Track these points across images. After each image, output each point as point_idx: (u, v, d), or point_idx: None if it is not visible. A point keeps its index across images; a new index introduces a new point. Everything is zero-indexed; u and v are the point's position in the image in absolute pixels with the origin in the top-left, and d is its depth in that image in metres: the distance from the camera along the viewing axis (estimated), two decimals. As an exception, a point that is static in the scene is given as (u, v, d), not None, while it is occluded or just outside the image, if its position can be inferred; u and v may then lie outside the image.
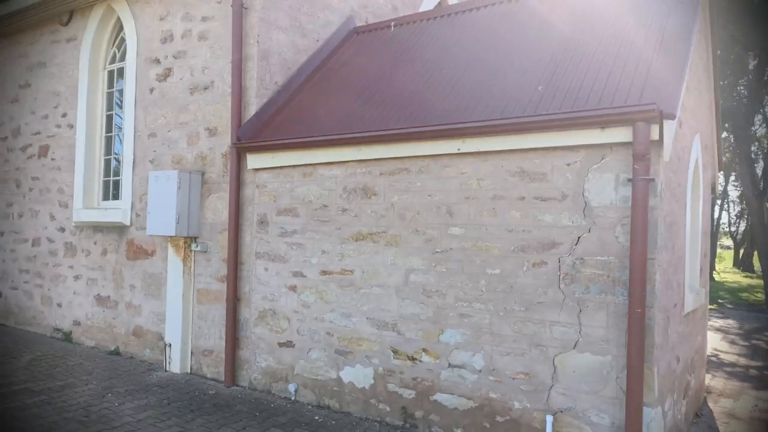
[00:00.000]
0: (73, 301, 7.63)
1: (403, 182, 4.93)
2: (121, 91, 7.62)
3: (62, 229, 7.83)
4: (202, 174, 6.33)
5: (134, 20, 7.11)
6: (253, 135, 5.84)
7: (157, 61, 6.84)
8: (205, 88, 6.38)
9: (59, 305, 7.80)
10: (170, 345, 6.33)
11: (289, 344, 5.59)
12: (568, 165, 4.16)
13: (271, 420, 4.94)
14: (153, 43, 6.90)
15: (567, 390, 4.13)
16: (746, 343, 9.82)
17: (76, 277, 7.59)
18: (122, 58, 7.64)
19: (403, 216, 4.92)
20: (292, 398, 5.51)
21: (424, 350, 4.79)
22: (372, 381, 5.06)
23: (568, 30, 5.06)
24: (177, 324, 6.29)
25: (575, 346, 4.11)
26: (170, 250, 6.40)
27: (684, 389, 4.94)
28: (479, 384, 4.51)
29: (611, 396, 3.97)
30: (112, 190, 7.60)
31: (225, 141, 6.18)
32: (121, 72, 7.63)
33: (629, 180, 3.84)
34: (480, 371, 4.51)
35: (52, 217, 7.99)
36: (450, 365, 4.65)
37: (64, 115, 7.93)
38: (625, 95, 4.00)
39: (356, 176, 5.20)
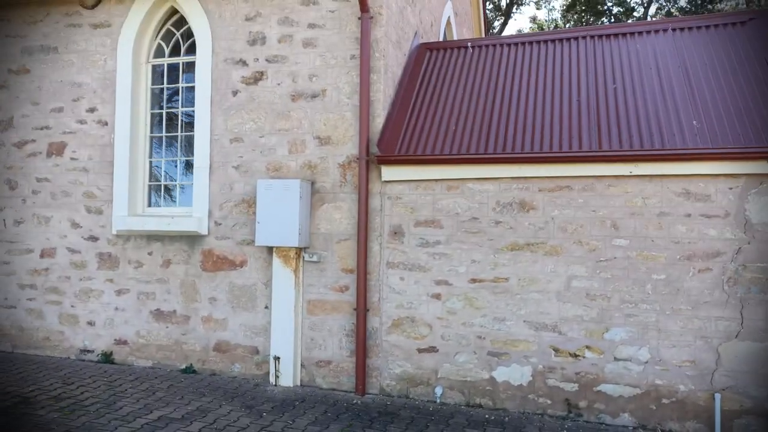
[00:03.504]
0: (114, 318, 6.86)
1: (563, 198, 5.52)
2: (169, 89, 7.05)
3: (93, 238, 6.98)
4: (312, 183, 6.24)
5: (207, 16, 6.67)
6: (388, 148, 5.97)
7: (243, 62, 6.53)
8: (314, 96, 6.29)
9: (91, 323, 6.95)
10: (279, 358, 6.14)
11: (431, 350, 5.84)
12: (731, 189, 5.13)
13: (452, 421, 5.21)
14: (236, 43, 6.56)
15: (729, 372, 5.09)
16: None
17: (120, 292, 6.85)
18: (174, 53, 7.08)
19: (564, 229, 5.52)
20: (438, 400, 5.78)
21: (587, 347, 5.44)
22: (530, 378, 5.57)
23: (687, 70, 6.05)
24: (287, 337, 6.13)
25: (737, 335, 5.08)
26: (276, 260, 6.19)
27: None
28: (645, 373, 5.29)
29: (769, 374, 5.01)
30: (171, 196, 7.01)
31: (341, 151, 6.18)
32: (173, 68, 7.05)
33: (793, 203, 4.91)
34: (646, 362, 5.29)
35: (75, 225, 7.07)
36: (615, 359, 5.36)
37: (91, 110, 7.08)
38: (778, 136, 5.06)
39: (511, 191, 5.66)
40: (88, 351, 6.96)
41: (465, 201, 5.80)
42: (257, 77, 6.49)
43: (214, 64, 6.63)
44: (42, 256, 7.20)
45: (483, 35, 13.32)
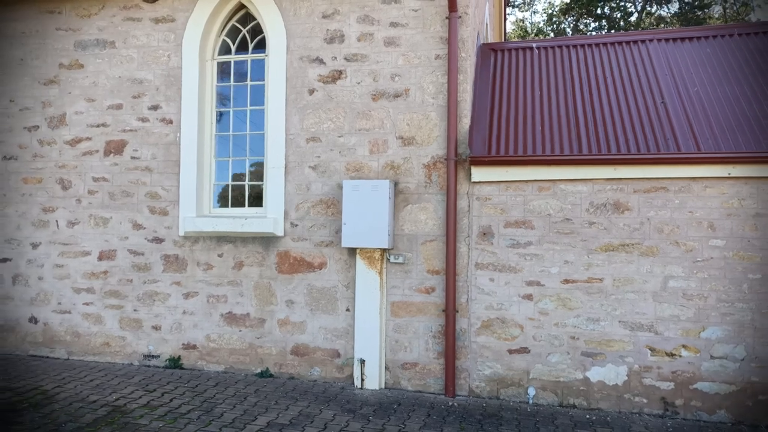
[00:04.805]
0: (182, 322, 6.67)
1: (659, 199, 5.59)
2: (234, 87, 6.88)
3: (158, 240, 6.77)
4: (395, 184, 6.18)
5: (281, 13, 6.53)
6: (476, 149, 5.94)
7: (320, 61, 6.42)
8: (396, 96, 6.22)
9: (156, 328, 6.73)
10: (364, 361, 6.05)
11: (522, 350, 5.84)
12: (826, 191, 5.27)
13: (558, 422, 5.22)
14: (312, 41, 6.44)
15: (826, 368, 5.23)
16: None
17: (188, 295, 6.66)
18: (241, 50, 6.90)
19: (660, 229, 5.58)
20: (530, 401, 5.78)
21: (683, 346, 5.52)
22: (625, 378, 5.62)
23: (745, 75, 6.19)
24: (373, 339, 6.05)
25: (834, 333, 5.23)
26: (360, 262, 6.10)
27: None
28: (741, 371, 5.39)
29: None
30: (236, 196, 6.84)
31: (425, 151, 6.13)
32: (240, 65, 6.88)
33: None
34: (742, 360, 5.39)
35: (137, 226, 6.84)
36: (711, 357, 5.45)
37: (154, 108, 6.86)
38: None
39: (605, 192, 5.70)
40: (153, 356, 6.74)
41: (557, 202, 5.81)
42: (335, 76, 6.39)
43: (289, 62, 6.50)
44: (100, 258, 6.94)
45: (504, 38, 13.41)
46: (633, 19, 22.60)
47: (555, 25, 25.21)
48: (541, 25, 26.23)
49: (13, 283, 7.19)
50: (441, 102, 6.11)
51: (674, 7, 22.68)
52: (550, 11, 25.86)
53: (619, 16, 21.36)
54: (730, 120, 5.71)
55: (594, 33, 22.31)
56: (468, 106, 6.11)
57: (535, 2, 29.85)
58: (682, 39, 6.92)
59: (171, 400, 5.48)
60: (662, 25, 22.15)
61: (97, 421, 4.88)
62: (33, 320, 7.11)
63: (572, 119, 6.14)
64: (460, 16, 6.05)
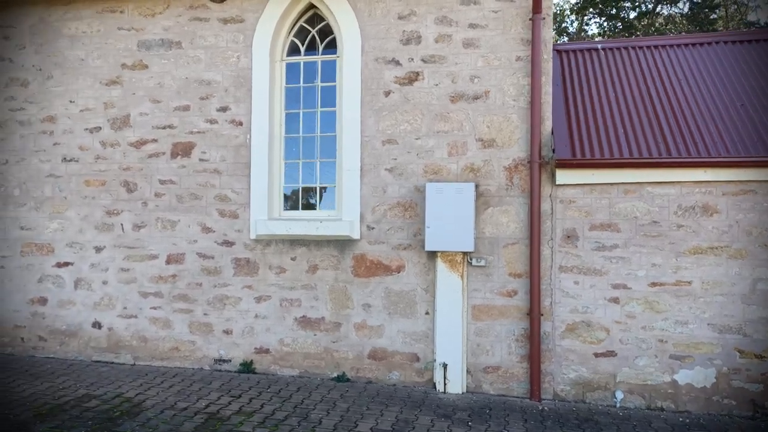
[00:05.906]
0: (254, 326, 6.59)
1: (748, 202, 5.60)
2: (304, 89, 6.81)
3: (228, 243, 6.69)
4: (476, 186, 6.14)
5: (355, 13, 6.47)
6: (560, 151, 5.92)
7: (396, 62, 6.36)
8: (476, 98, 6.19)
9: (227, 332, 6.66)
10: (446, 365, 6.02)
11: (609, 354, 5.83)
12: None
13: (655, 425, 5.21)
14: (388, 42, 6.39)
15: None
16: None
17: (260, 299, 6.58)
18: (310, 50, 6.83)
19: (749, 232, 5.59)
20: (617, 405, 5.77)
21: (773, 348, 5.54)
22: (714, 380, 5.63)
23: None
24: (455, 343, 6.02)
25: None
26: (441, 265, 6.07)
27: None
28: (833, 373, 5.42)
29: None
30: (302, 200, 6.77)
31: (506, 154, 6.11)
32: (310, 66, 6.81)
33: None
34: (834, 362, 5.42)
35: (207, 229, 6.76)
36: (802, 359, 5.48)
37: (223, 109, 6.77)
38: None
39: (693, 195, 5.70)
40: (224, 361, 6.66)
41: (644, 204, 5.80)
42: (412, 78, 6.34)
43: (364, 63, 6.44)
44: (168, 262, 6.85)
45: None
46: (644, 20, 22.70)
47: (557, 24, 25.26)
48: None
49: (75, 288, 7.08)
50: (522, 104, 6.08)
51: (685, 7, 22.80)
52: (553, 10, 25.86)
53: (636, 15, 21.40)
54: (817, 123, 5.73)
55: (599, 34, 22.36)
56: (549, 108, 6.08)
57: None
58: (749, 41, 6.93)
59: (262, 406, 5.41)
60: (670, 26, 22.27)
61: (198, 430, 4.81)
62: (97, 325, 7.00)
63: (653, 121, 6.13)
64: (543, 18, 6.02)
